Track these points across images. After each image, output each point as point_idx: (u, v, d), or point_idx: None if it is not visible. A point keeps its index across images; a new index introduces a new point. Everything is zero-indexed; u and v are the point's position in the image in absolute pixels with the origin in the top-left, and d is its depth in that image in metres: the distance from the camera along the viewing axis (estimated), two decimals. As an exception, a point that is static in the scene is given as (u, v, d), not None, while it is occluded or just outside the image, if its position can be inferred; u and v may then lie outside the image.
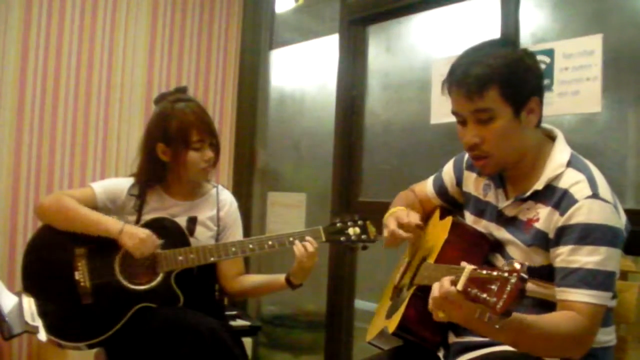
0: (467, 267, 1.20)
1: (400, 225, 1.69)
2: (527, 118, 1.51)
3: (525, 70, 1.50)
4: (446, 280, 1.24)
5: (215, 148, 2.18)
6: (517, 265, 1.14)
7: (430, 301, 1.28)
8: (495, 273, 1.15)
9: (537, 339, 1.32)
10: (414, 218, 1.70)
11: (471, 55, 1.54)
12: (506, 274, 1.14)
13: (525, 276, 1.13)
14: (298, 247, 2.04)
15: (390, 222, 1.72)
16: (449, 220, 1.69)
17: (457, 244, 1.62)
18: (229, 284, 2.25)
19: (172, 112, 2.14)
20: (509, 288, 1.12)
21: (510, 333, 1.27)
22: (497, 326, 1.16)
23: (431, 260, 1.62)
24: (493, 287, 1.14)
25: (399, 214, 1.73)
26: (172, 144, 2.12)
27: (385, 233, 1.73)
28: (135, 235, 2.02)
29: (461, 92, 1.50)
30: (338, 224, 2.12)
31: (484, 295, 1.14)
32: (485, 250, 1.62)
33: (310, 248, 2.03)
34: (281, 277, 2.16)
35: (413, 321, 1.58)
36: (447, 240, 1.61)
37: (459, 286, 1.19)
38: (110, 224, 2.06)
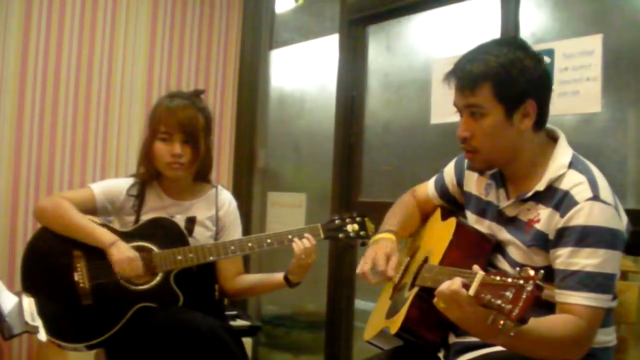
0: (479, 273, 1.19)
1: (374, 271, 1.67)
2: (520, 121, 1.50)
3: (521, 72, 1.47)
4: (458, 281, 1.24)
5: (192, 148, 2.10)
6: (532, 272, 1.13)
7: (437, 293, 1.27)
8: (509, 280, 1.14)
9: (536, 344, 1.32)
10: (391, 265, 1.67)
11: (474, 52, 1.55)
12: (521, 281, 1.12)
13: (542, 284, 1.12)
14: (297, 244, 2.03)
15: (367, 259, 1.69)
16: (453, 221, 1.68)
17: (462, 245, 1.61)
18: (228, 284, 2.24)
19: (158, 105, 2.17)
20: (524, 295, 1.10)
21: (509, 338, 1.25)
22: (511, 334, 1.14)
23: (434, 261, 1.62)
24: (507, 293, 1.12)
25: (379, 256, 1.68)
26: (148, 133, 2.15)
27: (358, 269, 1.69)
28: (123, 252, 2.01)
29: (457, 86, 1.54)
30: (336, 221, 2.11)
31: (499, 302, 1.13)
32: (488, 251, 1.62)
33: (308, 244, 2.03)
34: (279, 275, 2.15)
35: (416, 323, 1.57)
36: (452, 241, 1.60)
37: (472, 291, 1.18)
38: (104, 236, 2.04)
